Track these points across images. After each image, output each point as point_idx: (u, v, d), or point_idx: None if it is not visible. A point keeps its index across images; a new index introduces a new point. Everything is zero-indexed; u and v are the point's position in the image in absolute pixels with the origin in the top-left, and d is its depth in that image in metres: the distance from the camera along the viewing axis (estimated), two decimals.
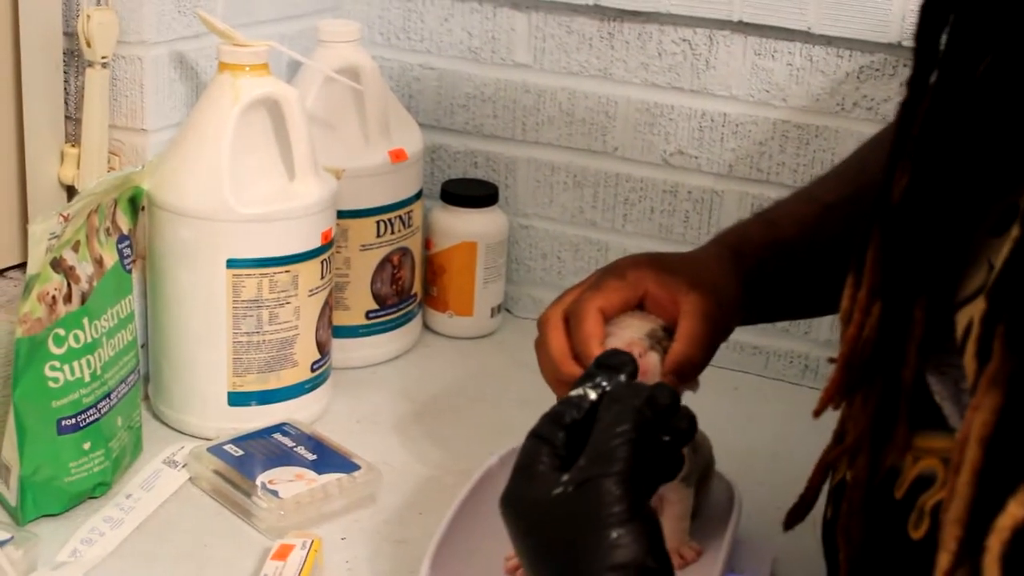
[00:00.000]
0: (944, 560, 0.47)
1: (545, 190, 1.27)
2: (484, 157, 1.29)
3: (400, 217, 1.17)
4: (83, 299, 0.89)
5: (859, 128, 1.11)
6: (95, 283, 0.91)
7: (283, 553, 0.84)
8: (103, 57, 1.01)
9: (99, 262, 0.92)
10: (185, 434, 1.03)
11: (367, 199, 1.14)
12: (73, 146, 1.04)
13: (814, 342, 1.19)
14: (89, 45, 1.00)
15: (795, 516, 0.71)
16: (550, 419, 0.64)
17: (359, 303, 1.17)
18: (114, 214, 0.95)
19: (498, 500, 0.63)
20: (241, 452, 0.96)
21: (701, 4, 1.14)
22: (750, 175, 1.17)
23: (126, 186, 0.96)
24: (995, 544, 0.44)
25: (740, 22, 1.13)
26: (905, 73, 1.07)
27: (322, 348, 1.06)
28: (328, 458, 0.96)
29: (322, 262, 1.03)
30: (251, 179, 0.99)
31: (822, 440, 0.69)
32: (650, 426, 0.61)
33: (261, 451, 0.97)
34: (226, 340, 1.00)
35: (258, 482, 0.92)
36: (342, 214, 1.10)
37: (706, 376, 0.80)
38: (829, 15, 1.10)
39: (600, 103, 1.22)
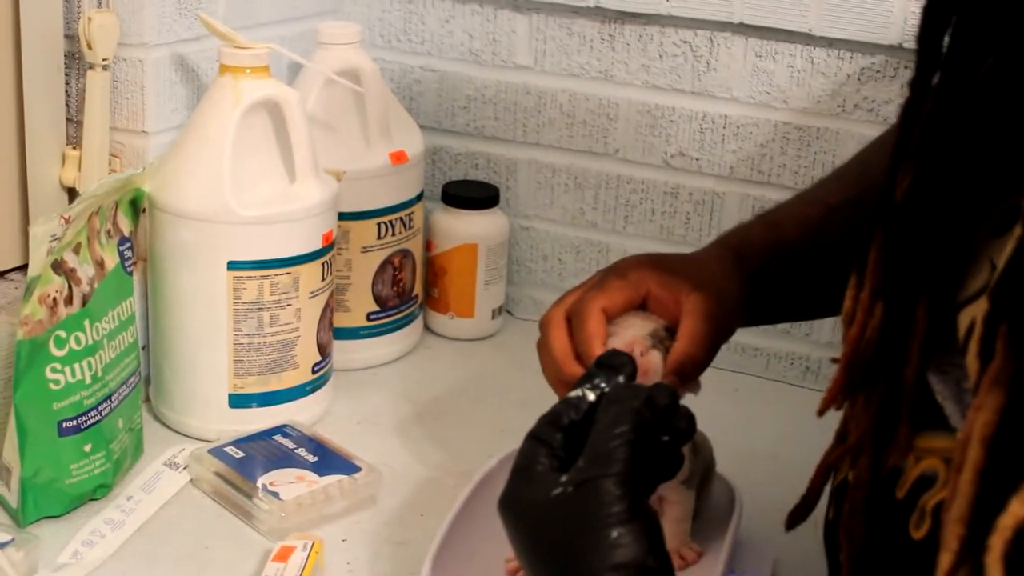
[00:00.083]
0: (946, 559, 0.47)
1: (546, 192, 1.27)
2: (485, 159, 1.29)
3: (401, 219, 1.17)
4: (84, 301, 0.89)
5: (860, 130, 1.12)
6: (96, 285, 0.91)
7: (284, 555, 0.84)
8: (104, 59, 1.01)
9: (100, 264, 0.92)
10: (186, 436, 1.03)
11: (368, 201, 1.14)
12: (74, 148, 1.04)
13: (815, 344, 1.19)
14: (90, 47, 1.00)
15: (797, 516, 0.71)
16: (548, 420, 0.64)
17: (360, 305, 1.17)
18: (115, 216, 0.95)
19: (496, 502, 0.63)
20: (242, 454, 0.96)
21: (702, 6, 1.14)
22: (751, 177, 1.17)
23: (127, 188, 0.96)
24: (997, 543, 0.44)
25: (741, 24, 1.13)
26: (906, 75, 1.08)
27: (323, 350, 1.06)
28: (329, 460, 0.96)
29: (323, 264, 1.03)
30: (252, 181, 0.99)
31: (823, 442, 0.69)
32: (649, 427, 0.61)
33: (262, 453, 0.97)
34: (227, 342, 1.00)
35: (259, 484, 0.92)
36: (343, 216, 1.10)
37: (707, 378, 0.80)
38: (830, 17, 1.10)
39: (601, 105, 1.22)
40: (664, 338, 0.78)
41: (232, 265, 0.98)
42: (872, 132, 1.09)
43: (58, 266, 0.87)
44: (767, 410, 1.15)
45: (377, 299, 1.17)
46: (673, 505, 0.84)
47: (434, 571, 0.80)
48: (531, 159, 1.27)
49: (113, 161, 1.05)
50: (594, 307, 0.78)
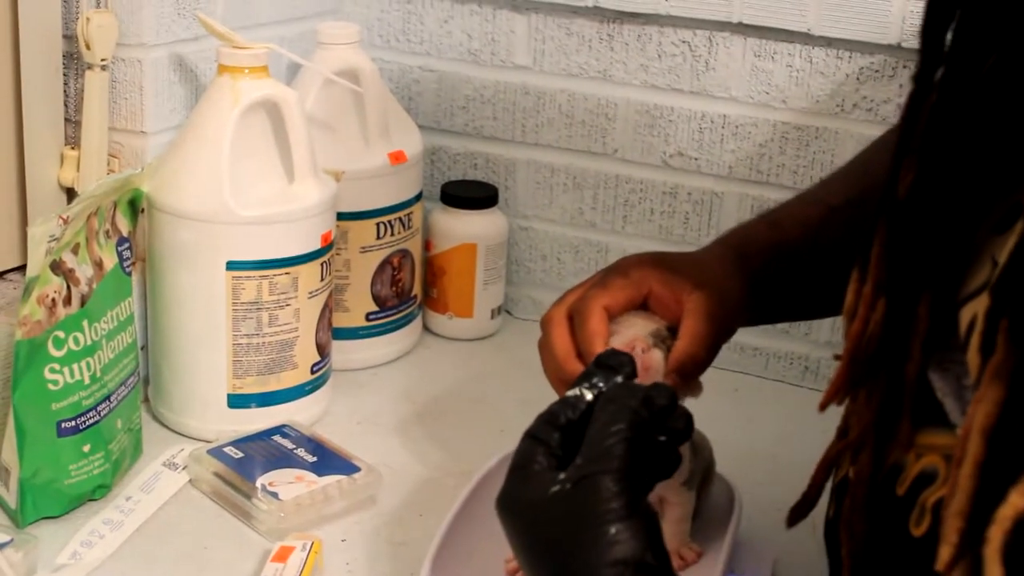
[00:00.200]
0: (945, 552, 0.47)
1: (545, 192, 1.27)
2: (484, 159, 1.29)
3: (400, 219, 1.17)
4: (83, 301, 0.89)
5: (859, 130, 1.12)
6: (95, 285, 0.91)
7: (283, 555, 0.84)
8: (102, 59, 1.01)
9: (99, 264, 0.92)
10: (185, 436, 1.03)
11: (367, 201, 1.14)
12: (73, 148, 1.04)
13: (815, 343, 1.19)
14: (88, 48, 1.00)
15: (798, 513, 0.70)
16: (545, 419, 0.63)
17: (359, 305, 1.17)
18: (114, 216, 0.95)
19: (493, 502, 0.63)
20: (241, 454, 0.96)
21: (701, 6, 1.14)
22: (750, 177, 1.17)
23: (126, 188, 0.96)
24: (996, 534, 0.44)
25: (740, 24, 1.13)
26: (905, 75, 1.08)
27: (322, 350, 1.06)
28: (328, 460, 0.96)
29: (322, 264, 1.03)
30: (251, 181, 0.99)
31: (823, 441, 0.68)
32: (646, 425, 0.61)
33: (261, 453, 0.96)
34: (226, 342, 1.00)
35: (258, 484, 0.92)
36: (342, 216, 1.10)
37: (707, 377, 0.80)
38: (829, 17, 1.10)
39: (600, 105, 1.22)
40: (666, 337, 0.78)
41: (231, 265, 0.98)
42: (871, 132, 1.09)
43: (57, 266, 0.87)
44: (767, 410, 1.15)
45: (376, 299, 1.17)
46: (674, 506, 0.84)
47: (433, 571, 0.80)
48: (530, 159, 1.27)
49: (112, 161, 1.05)
50: (596, 305, 0.78)
